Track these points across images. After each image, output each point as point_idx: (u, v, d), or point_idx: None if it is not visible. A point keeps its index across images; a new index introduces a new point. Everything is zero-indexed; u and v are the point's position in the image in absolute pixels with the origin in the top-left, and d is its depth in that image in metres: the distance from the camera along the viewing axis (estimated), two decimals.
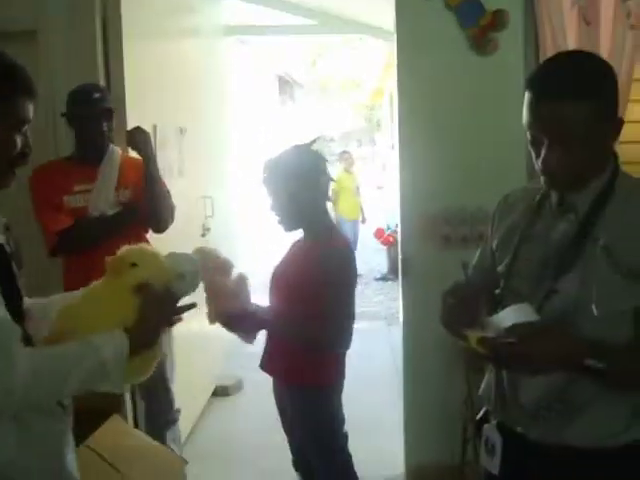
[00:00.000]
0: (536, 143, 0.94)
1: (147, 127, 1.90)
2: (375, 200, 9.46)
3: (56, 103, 1.98)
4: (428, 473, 2.24)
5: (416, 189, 2.14)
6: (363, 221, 6.38)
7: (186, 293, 1.03)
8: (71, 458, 0.98)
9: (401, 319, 2.29)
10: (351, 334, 1.47)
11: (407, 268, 2.19)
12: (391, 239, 5.97)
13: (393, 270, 6.04)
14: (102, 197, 1.84)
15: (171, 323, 1.02)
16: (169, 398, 2.01)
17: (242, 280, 1.37)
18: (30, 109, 0.92)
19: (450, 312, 0.99)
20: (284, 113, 11.00)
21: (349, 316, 1.47)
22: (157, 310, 0.97)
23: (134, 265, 0.98)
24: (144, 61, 2.18)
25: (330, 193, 1.55)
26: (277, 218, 1.51)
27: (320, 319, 1.41)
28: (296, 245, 1.60)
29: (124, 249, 1.02)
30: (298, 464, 1.69)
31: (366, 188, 7.06)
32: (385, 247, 6.28)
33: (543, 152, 0.93)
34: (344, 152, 6.64)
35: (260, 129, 7.46)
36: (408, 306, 2.22)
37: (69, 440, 0.99)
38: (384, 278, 6.08)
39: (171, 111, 2.41)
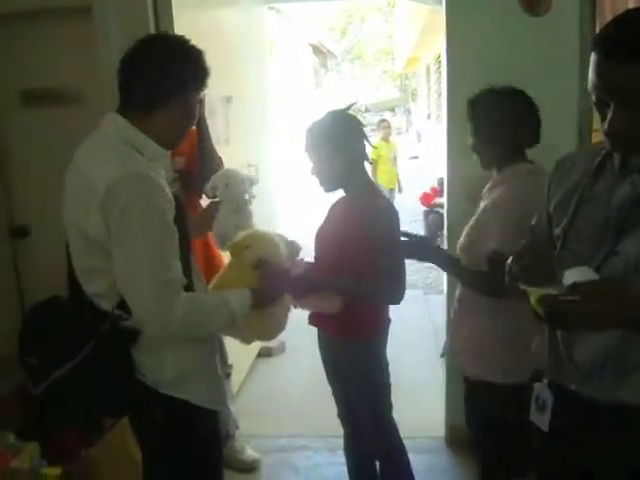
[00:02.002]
0: (602, 106, 0.93)
1: None
2: (411, 170, 9.32)
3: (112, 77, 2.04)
4: (468, 434, 2.31)
5: (465, 155, 2.13)
6: (400, 190, 6.30)
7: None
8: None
9: (445, 285, 2.31)
10: (405, 285, 1.52)
11: (452, 235, 2.20)
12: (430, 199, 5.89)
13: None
14: None
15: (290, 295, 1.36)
16: (223, 353, 2.14)
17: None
18: None
19: (525, 271, 0.98)
20: (318, 82, 10.86)
21: (403, 268, 1.52)
22: (272, 277, 1.27)
23: (248, 247, 1.28)
24: (193, 32, 2.20)
25: (369, 158, 1.60)
26: (318, 180, 1.58)
27: (377, 274, 1.47)
28: (336, 205, 1.66)
29: (239, 235, 1.32)
30: (343, 414, 1.77)
31: (401, 158, 6.94)
32: (422, 215, 6.23)
33: (609, 115, 0.91)
34: (382, 120, 6.48)
35: (297, 97, 7.40)
36: None
37: (216, 356, 1.32)
38: None
39: (218, 80, 2.43)
